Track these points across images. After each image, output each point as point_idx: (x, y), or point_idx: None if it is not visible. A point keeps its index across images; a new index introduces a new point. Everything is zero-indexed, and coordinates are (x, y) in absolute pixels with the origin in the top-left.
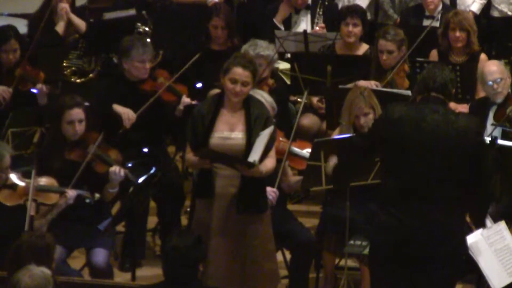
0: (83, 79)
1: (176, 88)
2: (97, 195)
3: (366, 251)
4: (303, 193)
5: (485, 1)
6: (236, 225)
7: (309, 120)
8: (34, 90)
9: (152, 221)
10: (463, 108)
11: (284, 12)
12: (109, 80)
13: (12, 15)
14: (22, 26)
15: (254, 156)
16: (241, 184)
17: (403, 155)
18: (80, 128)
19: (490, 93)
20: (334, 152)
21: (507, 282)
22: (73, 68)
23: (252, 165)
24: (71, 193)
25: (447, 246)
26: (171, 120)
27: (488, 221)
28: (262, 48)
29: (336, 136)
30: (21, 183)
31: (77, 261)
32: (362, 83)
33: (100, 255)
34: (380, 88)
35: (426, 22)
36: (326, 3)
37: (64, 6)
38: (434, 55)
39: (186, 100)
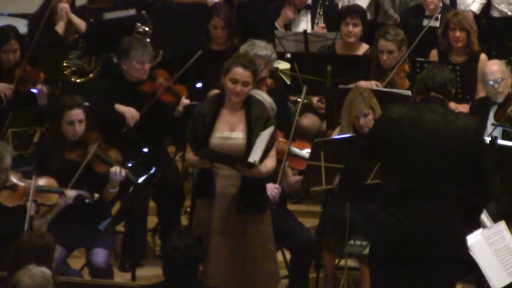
0: (83, 79)
1: (175, 89)
2: (96, 195)
3: (366, 251)
4: (303, 193)
5: (485, 1)
6: (236, 225)
7: (309, 120)
8: (34, 90)
9: (152, 221)
10: (463, 108)
11: (286, 16)
12: (109, 80)
13: (12, 15)
14: (22, 26)
15: (254, 157)
16: (241, 184)
17: (403, 155)
18: (80, 128)
19: (491, 92)
20: (335, 154)
21: (507, 282)
22: (73, 68)
23: (252, 165)
24: (71, 192)
25: (447, 246)
26: (170, 121)
27: (488, 221)
28: (260, 48)
29: (336, 136)
30: (21, 184)
31: (77, 261)
32: (362, 83)
33: (100, 255)
34: (380, 88)
35: (426, 22)
36: (327, 3)
37: (64, 6)
38: (434, 55)
39: (185, 101)
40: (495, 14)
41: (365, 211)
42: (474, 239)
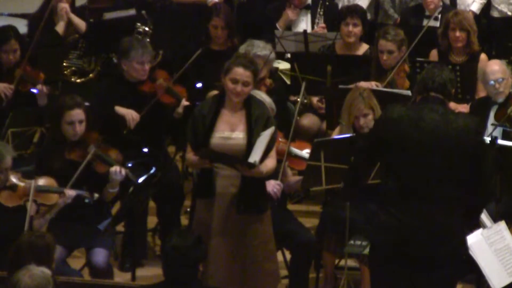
0: (83, 79)
1: (175, 91)
2: (96, 195)
3: (366, 251)
4: (303, 193)
5: (485, 1)
6: (236, 225)
7: (309, 120)
8: (34, 90)
9: (152, 221)
10: (463, 108)
11: (287, 17)
12: (109, 81)
13: (12, 15)
14: (22, 26)
15: (254, 157)
16: (242, 184)
17: (403, 155)
18: (80, 128)
19: (492, 92)
20: (335, 154)
21: (507, 282)
22: (73, 68)
23: (252, 165)
24: (70, 192)
25: (447, 246)
26: (170, 121)
27: (488, 221)
28: (259, 48)
29: (336, 136)
30: (21, 184)
31: (77, 261)
32: (362, 84)
33: (100, 255)
34: (380, 88)
35: (426, 22)
36: (327, 3)
37: (64, 6)
38: (434, 55)
39: (185, 103)
40: (495, 14)
41: (365, 211)
42: (474, 239)
